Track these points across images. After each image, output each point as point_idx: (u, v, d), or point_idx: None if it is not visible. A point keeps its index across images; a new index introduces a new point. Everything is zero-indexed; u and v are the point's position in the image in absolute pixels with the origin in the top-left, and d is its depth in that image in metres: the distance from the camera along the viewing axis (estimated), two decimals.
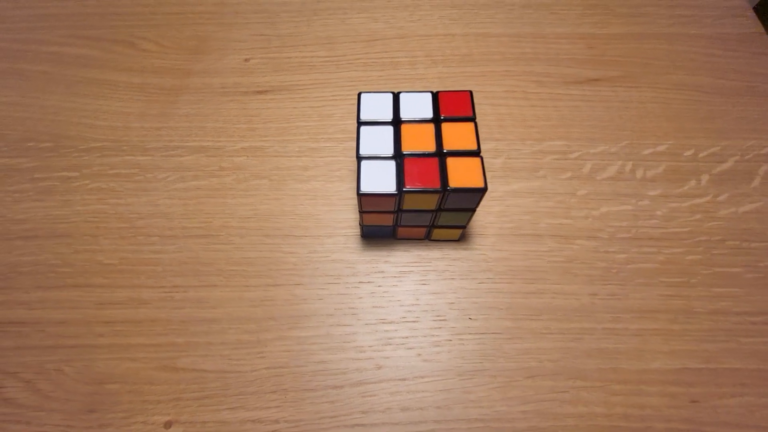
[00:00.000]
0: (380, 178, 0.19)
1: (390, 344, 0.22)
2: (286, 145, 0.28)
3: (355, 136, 0.28)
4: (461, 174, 0.19)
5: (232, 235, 0.25)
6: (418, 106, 0.21)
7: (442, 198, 0.19)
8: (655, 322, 0.22)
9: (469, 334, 0.22)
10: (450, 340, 0.22)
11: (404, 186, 0.19)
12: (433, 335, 0.22)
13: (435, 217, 0.21)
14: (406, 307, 0.23)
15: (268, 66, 0.31)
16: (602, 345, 0.22)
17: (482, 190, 0.19)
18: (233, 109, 0.29)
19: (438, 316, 0.23)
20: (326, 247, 0.24)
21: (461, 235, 0.24)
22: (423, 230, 0.23)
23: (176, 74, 0.30)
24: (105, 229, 0.25)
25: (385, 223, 0.22)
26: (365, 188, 0.19)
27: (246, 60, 0.31)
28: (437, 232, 0.23)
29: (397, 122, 0.20)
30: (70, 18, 0.33)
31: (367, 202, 0.20)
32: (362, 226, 0.23)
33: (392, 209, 0.20)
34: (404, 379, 0.21)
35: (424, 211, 0.21)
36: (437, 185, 0.19)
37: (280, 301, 0.23)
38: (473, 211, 0.21)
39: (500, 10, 0.34)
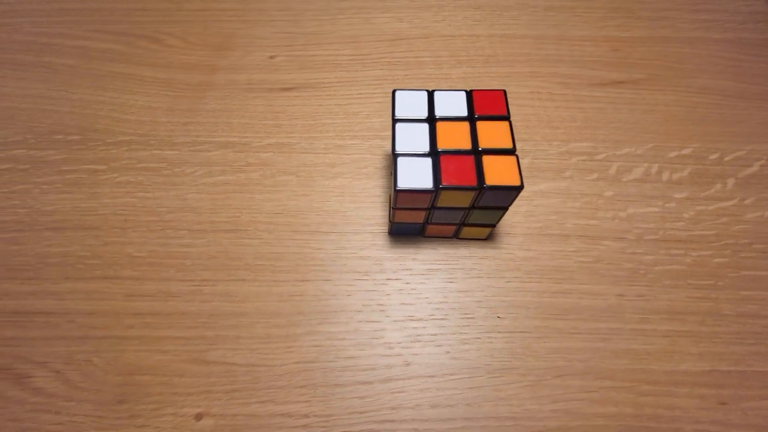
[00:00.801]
0: (417, 175, 0.19)
1: (419, 341, 0.22)
2: (313, 142, 0.28)
3: (381, 134, 0.28)
4: (497, 172, 0.19)
5: (260, 230, 0.25)
6: (452, 104, 0.21)
7: (478, 196, 0.19)
8: (683, 324, 0.22)
9: (498, 332, 0.22)
10: (479, 338, 0.22)
11: (441, 183, 0.19)
12: (461, 333, 0.22)
13: (467, 215, 0.22)
14: (434, 305, 0.23)
15: (294, 63, 0.31)
16: (631, 346, 0.22)
17: (518, 188, 0.19)
18: (259, 106, 0.29)
19: (466, 314, 0.23)
20: (354, 243, 0.25)
21: (489, 234, 0.24)
22: (452, 229, 0.23)
23: (202, 70, 0.31)
24: (133, 222, 0.25)
25: (416, 221, 0.22)
26: (402, 184, 0.19)
27: (271, 57, 0.31)
28: (466, 231, 0.23)
29: (432, 120, 0.20)
30: (95, 13, 0.33)
31: (403, 198, 0.20)
32: (392, 223, 0.23)
33: (426, 206, 0.21)
34: (433, 376, 0.21)
35: (456, 208, 0.21)
36: (474, 183, 0.19)
37: (308, 297, 0.23)
38: (505, 209, 0.21)
39: (523, 12, 0.34)
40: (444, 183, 0.19)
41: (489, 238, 0.24)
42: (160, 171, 0.27)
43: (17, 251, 0.24)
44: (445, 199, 0.20)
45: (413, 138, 0.20)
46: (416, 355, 0.22)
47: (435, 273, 0.24)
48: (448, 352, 0.22)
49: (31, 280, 0.24)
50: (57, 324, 0.23)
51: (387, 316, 0.23)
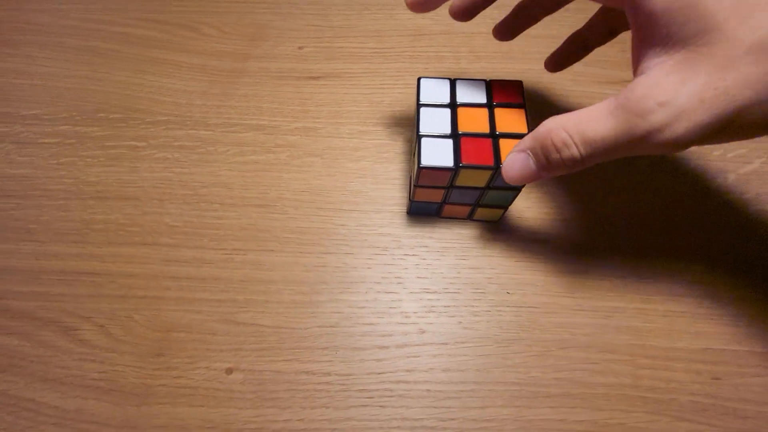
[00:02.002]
0: (439, 155, 0.21)
1: (433, 312, 0.24)
2: (338, 127, 0.30)
3: (402, 121, 0.30)
4: None
5: (287, 206, 0.27)
6: (473, 92, 0.22)
7: (493, 175, 0.21)
8: (681, 306, 0.24)
9: (507, 306, 0.24)
10: (489, 311, 0.24)
11: (461, 162, 0.21)
12: (473, 306, 0.24)
13: (482, 196, 0.23)
14: (448, 279, 0.25)
15: (321, 54, 0.33)
16: (632, 323, 0.23)
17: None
18: (288, 92, 0.31)
19: (477, 288, 0.24)
20: (374, 221, 0.26)
21: (501, 217, 0.26)
22: (466, 209, 0.25)
23: (235, 58, 0.33)
24: (170, 195, 0.27)
25: (434, 200, 0.24)
26: (426, 162, 0.21)
27: (300, 48, 0.33)
28: (480, 212, 0.25)
29: (454, 105, 0.22)
30: (137, 2, 0.36)
31: (425, 176, 0.21)
32: (411, 201, 0.25)
33: (446, 185, 0.22)
34: (446, 344, 0.23)
35: (473, 188, 0.23)
36: (491, 162, 0.21)
37: (331, 268, 0.25)
38: (518, 190, 0.23)
39: None
40: (463, 162, 0.21)
41: (501, 221, 0.26)
42: (195, 149, 0.29)
43: (64, 217, 0.27)
44: (464, 178, 0.22)
45: (436, 121, 0.22)
46: (430, 324, 0.24)
47: (449, 251, 0.25)
48: (460, 322, 0.24)
49: (77, 243, 0.26)
50: (101, 284, 0.25)
51: (404, 288, 0.24)
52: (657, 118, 0.15)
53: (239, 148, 0.29)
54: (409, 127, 0.30)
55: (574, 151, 0.17)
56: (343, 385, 0.22)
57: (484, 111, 0.22)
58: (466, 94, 0.22)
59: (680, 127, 0.14)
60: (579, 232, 0.26)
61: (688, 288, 0.24)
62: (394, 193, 0.27)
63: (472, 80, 0.23)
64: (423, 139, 0.21)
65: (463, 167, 0.21)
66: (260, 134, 0.29)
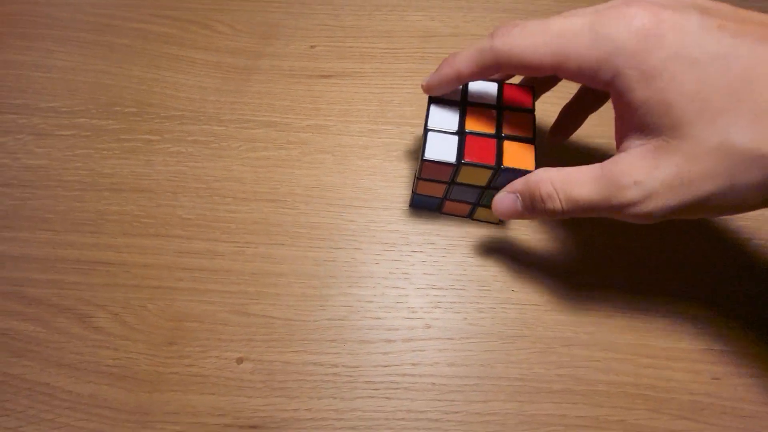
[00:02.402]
0: (443, 149, 0.21)
1: (439, 307, 0.24)
2: (348, 125, 0.30)
3: (411, 121, 0.30)
4: (515, 157, 0.21)
5: (298, 201, 0.27)
6: (484, 92, 0.23)
7: (494, 176, 0.22)
8: (684, 307, 0.24)
9: (511, 304, 0.24)
10: (493, 308, 0.24)
11: (463, 158, 0.21)
12: (478, 302, 0.25)
13: (482, 195, 0.24)
14: (454, 276, 0.25)
15: (333, 53, 0.33)
16: (634, 323, 0.24)
17: (530, 173, 0.21)
18: (300, 90, 0.32)
19: (483, 286, 0.25)
20: (383, 218, 0.27)
21: (500, 220, 0.26)
22: (467, 207, 0.26)
23: (248, 56, 0.33)
24: (184, 188, 0.28)
25: (435, 194, 0.25)
26: (429, 156, 0.21)
27: (312, 47, 0.34)
28: (480, 212, 0.26)
29: (464, 104, 0.23)
30: None
31: (428, 169, 0.22)
32: (414, 194, 0.25)
33: (447, 180, 0.23)
34: (451, 339, 0.24)
35: (473, 186, 0.23)
36: (492, 162, 0.21)
37: (340, 262, 0.26)
38: None
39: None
40: (466, 159, 0.21)
41: (504, 224, 0.27)
42: (209, 144, 0.29)
43: (80, 207, 0.27)
44: (465, 175, 0.22)
45: (445, 118, 0.22)
46: (436, 319, 0.24)
47: (456, 248, 0.26)
48: (465, 318, 0.24)
49: (93, 233, 0.26)
50: (115, 273, 0.25)
51: (411, 284, 0.25)
52: (632, 194, 0.17)
53: (252, 143, 0.29)
54: (418, 127, 0.30)
55: (557, 205, 0.19)
56: (350, 376, 0.23)
57: (493, 112, 0.23)
58: (478, 95, 0.23)
59: (650, 205, 0.17)
60: (583, 231, 0.26)
61: (689, 289, 0.25)
62: (402, 191, 0.28)
63: (485, 81, 0.23)
64: (429, 133, 0.22)
65: (464, 164, 0.21)
66: (272, 131, 0.30)
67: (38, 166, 0.29)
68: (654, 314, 0.24)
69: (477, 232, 0.26)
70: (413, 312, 0.24)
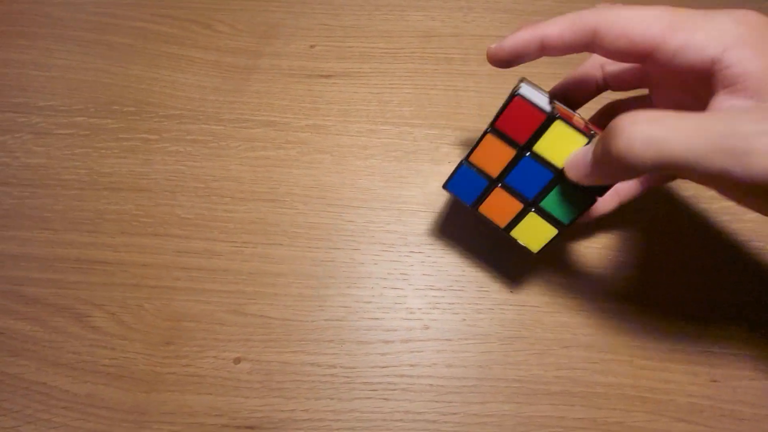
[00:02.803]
0: (537, 97, 0.18)
1: (437, 308, 0.24)
2: (347, 125, 0.30)
3: (411, 121, 0.30)
4: None
5: (296, 201, 0.27)
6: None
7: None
8: (682, 309, 0.24)
9: (510, 305, 0.24)
10: (492, 309, 0.24)
11: (557, 112, 0.18)
12: (476, 303, 0.24)
13: (547, 188, 0.19)
14: (453, 277, 0.25)
15: (332, 53, 0.33)
16: (633, 325, 0.24)
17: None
18: (299, 90, 0.32)
19: (481, 287, 0.25)
20: (381, 218, 0.27)
21: (543, 248, 0.20)
22: (513, 210, 0.20)
23: (248, 55, 0.33)
24: (182, 188, 0.28)
25: (489, 172, 0.20)
26: (524, 92, 0.18)
27: (312, 46, 0.34)
28: (525, 225, 0.20)
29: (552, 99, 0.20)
30: None
31: (513, 110, 0.18)
32: (462, 166, 0.20)
33: (522, 142, 0.19)
34: (449, 340, 0.24)
35: (545, 170, 0.19)
36: (585, 131, 0.18)
37: (338, 263, 0.25)
38: (589, 203, 0.19)
39: (548, 18, 0.36)
40: (560, 113, 0.18)
41: (540, 255, 0.21)
42: (207, 143, 0.29)
43: (79, 206, 0.27)
44: (549, 143, 0.18)
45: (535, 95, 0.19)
46: (435, 320, 0.24)
47: (454, 249, 0.26)
48: (464, 319, 0.24)
49: (91, 232, 0.26)
50: (113, 272, 0.25)
51: (409, 285, 0.25)
52: (759, 141, 0.13)
53: (250, 143, 0.29)
54: (417, 127, 0.30)
55: (642, 131, 0.14)
56: (347, 377, 0.23)
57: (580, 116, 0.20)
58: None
59: None
60: (581, 233, 0.26)
61: (687, 291, 0.25)
62: (401, 192, 0.28)
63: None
64: (524, 83, 0.19)
65: (559, 118, 0.18)
66: (271, 130, 0.30)
67: (37, 165, 0.29)
68: (652, 316, 0.24)
69: (475, 233, 0.26)
70: (411, 313, 0.24)
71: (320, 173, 0.28)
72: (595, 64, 0.22)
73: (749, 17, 0.16)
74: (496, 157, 0.19)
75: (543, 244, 0.20)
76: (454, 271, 0.25)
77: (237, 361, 0.23)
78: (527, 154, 0.19)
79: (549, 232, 0.20)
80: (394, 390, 0.22)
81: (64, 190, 0.28)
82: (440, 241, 0.26)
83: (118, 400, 0.22)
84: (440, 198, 0.28)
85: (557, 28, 0.18)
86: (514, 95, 0.18)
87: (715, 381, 0.22)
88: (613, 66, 0.22)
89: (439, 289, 0.25)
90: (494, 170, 0.20)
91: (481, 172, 0.20)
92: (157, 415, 0.22)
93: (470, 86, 0.32)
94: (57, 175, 0.28)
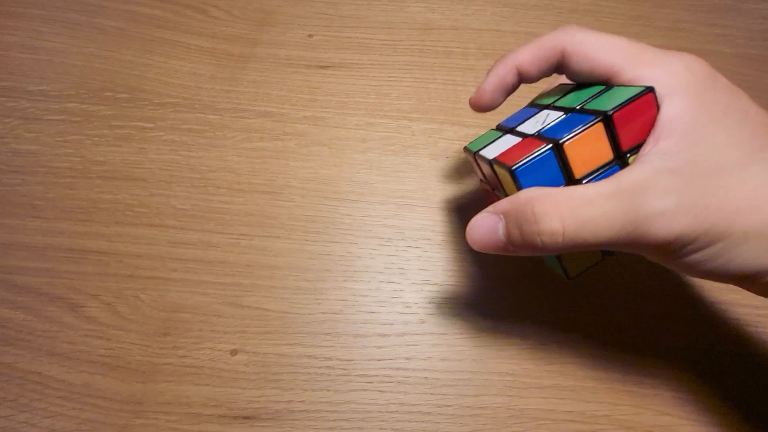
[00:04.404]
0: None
1: (433, 303, 0.25)
2: (345, 117, 0.30)
3: (409, 115, 0.30)
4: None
5: (294, 194, 0.27)
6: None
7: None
8: (670, 307, 0.25)
9: (504, 300, 0.25)
10: (486, 304, 0.25)
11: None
12: (471, 298, 0.25)
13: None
14: (449, 272, 0.25)
15: (330, 43, 0.33)
16: (624, 322, 0.24)
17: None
18: (297, 81, 0.31)
19: (477, 282, 0.25)
20: (379, 212, 0.27)
21: (579, 274, 0.19)
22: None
23: (244, 43, 0.33)
24: (178, 178, 0.27)
25: (576, 170, 0.17)
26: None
27: (310, 36, 0.33)
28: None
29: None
30: None
31: (636, 109, 0.16)
32: (549, 151, 0.16)
33: (626, 147, 0.16)
34: (444, 334, 0.24)
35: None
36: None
37: (335, 256, 0.26)
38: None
39: (549, 12, 0.36)
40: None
41: (573, 280, 0.20)
42: (203, 133, 0.29)
43: (71, 195, 0.27)
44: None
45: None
46: (431, 314, 0.24)
47: (451, 244, 0.26)
48: (459, 314, 0.24)
49: (84, 221, 0.26)
50: (107, 262, 0.25)
51: (406, 279, 0.25)
52: (662, 203, 0.14)
53: (247, 134, 0.29)
54: (416, 121, 0.30)
55: (556, 226, 0.15)
56: (344, 369, 0.23)
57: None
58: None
59: (679, 223, 0.14)
60: None
61: (674, 288, 0.25)
62: (399, 186, 0.28)
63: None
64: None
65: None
66: (268, 121, 0.30)
67: (27, 152, 0.28)
68: (644, 314, 0.25)
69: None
70: (408, 307, 0.25)
71: (318, 166, 0.28)
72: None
73: (697, 65, 0.16)
74: (589, 154, 0.16)
75: (583, 269, 0.19)
76: (450, 266, 0.26)
77: (234, 352, 0.23)
78: (616, 162, 0.16)
79: (594, 257, 0.19)
80: (390, 382, 0.23)
81: (55, 178, 0.27)
82: (437, 236, 0.26)
83: (115, 390, 0.22)
84: (438, 193, 0.28)
85: (529, 53, 0.19)
86: (648, 88, 0.15)
87: (700, 376, 0.23)
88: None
89: (435, 284, 0.25)
90: (581, 169, 0.16)
91: (564, 166, 0.16)
92: (154, 405, 0.22)
93: (469, 81, 0.32)
94: (48, 162, 0.28)
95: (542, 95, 0.20)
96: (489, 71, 0.20)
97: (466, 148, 0.22)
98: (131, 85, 0.31)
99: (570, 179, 0.17)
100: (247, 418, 0.22)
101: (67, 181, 0.27)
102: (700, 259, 0.15)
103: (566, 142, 0.16)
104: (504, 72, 0.19)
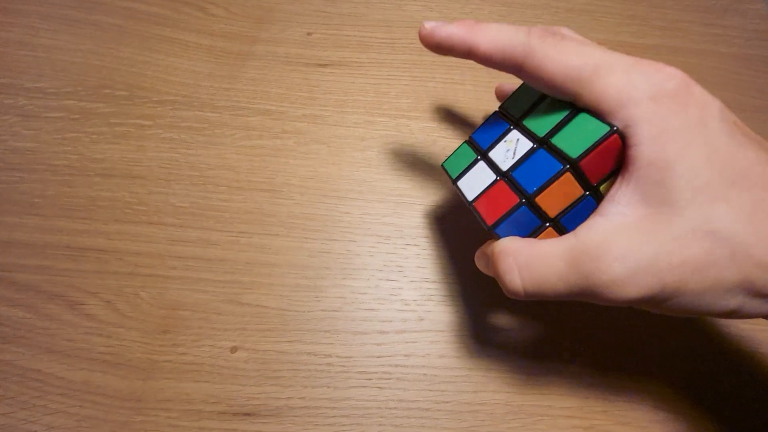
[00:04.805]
0: None
1: (432, 300, 0.25)
2: (344, 116, 0.30)
3: (408, 113, 0.30)
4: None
5: (293, 192, 0.27)
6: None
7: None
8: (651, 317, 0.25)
9: (503, 297, 0.25)
10: (485, 301, 0.25)
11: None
12: (470, 295, 0.25)
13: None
14: (447, 269, 0.26)
15: (329, 41, 0.33)
16: (619, 323, 0.25)
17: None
18: (296, 79, 0.31)
19: (475, 279, 0.25)
20: (378, 210, 0.27)
21: None
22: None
23: (243, 41, 0.33)
24: (177, 176, 0.27)
25: (550, 211, 0.17)
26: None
27: (309, 34, 0.33)
28: None
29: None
30: None
31: (602, 151, 0.16)
32: (522, 206, 0.17)
33: (595, 182, 0.17)
34: (443, 331, 0.24)
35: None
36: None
37: (335, 254, 0.26)
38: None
39: (546, 11, 0.36)
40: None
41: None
42: (202, 131, 0.29)
43: (69, 193, 0.27)
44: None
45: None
46: (429, 312, 0.25)
47: (449, 242, 0.26)
48: (457, 311, 0.25)
49: (83, 219, 0.26)
50: (107, 260, 0.25)
51: (404, 276, 0.25)
52: (614, 271, 0.14)
53: (246, 132, 0.29)
54: (414, 120, 0.30)
55: (517, 286, 0.16)
56: (343, 366, 0.23)
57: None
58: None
59: (633, 288, 0.14)
60: None
61: None
62: (398, 184, 0.28)
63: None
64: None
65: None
66: (267, 119, 0.30)
67: (26, 149, 0.28)
68: (641, 313, 0.25)
69: (470, 226, 0.27)
70: (406, 304, 0.25)
71: (317, 164, 0.28)
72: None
73: (676, 80, 0.15)
74: (561, 196, 0.17)
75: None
76: (449, 264, 0.26)
77: (233, 350, 0.23)
78: (588, 194, 0.17)
79: None
80: (389, 379, 0.23)
81: (53, 176, 0.27)
82: (436, 234, 0.27)
83: (115, 387, 0.22)
84: (436, 191, 0.28)
85: (486, 47, 0.17)
86: (612, 131, 0.15)
87: (694, 373, 0.24)
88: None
89: (434, 282, 0.25)
90: (554, 210, 0.17)
91: (537, 211, 0.17)
92: (154, 402, 0.22)
93: (467, 80, 0.32)
94: (46, 159, 0.28)
95: (510, 99, 0.20)
96: (452, 23, 0.18)
97: (443, 167, 0.22)
98: (130, 83, 0.30)
99: (545, 219, 0.17)
100: (247, 414, 0.22)
101: (65, 178, 0.27)
102: (672, 306, 0.15)
103: (537, 196, 0.17)
104: (456, 42, 0.18)
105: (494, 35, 0.17)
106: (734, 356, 0.24)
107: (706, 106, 0.15)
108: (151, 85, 0.30)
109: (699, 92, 0.15)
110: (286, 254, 0.26)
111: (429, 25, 0.18)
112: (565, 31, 0.19)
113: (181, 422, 0.22)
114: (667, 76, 0.15)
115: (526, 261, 0.16)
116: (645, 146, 0.15)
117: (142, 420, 0.22)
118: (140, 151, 0.28)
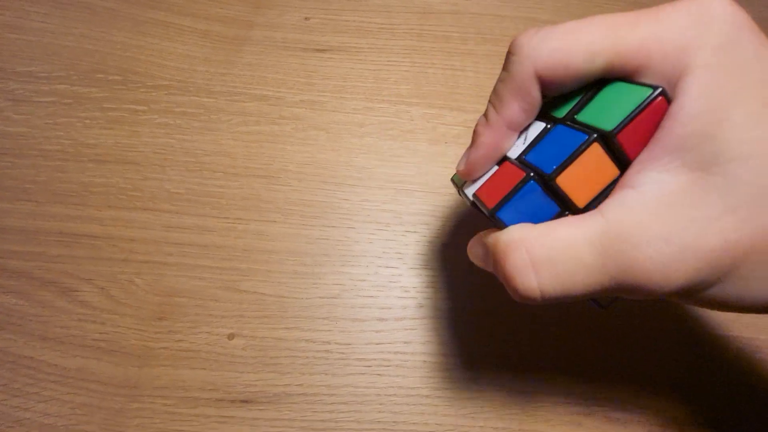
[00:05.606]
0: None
1: (431, 287, 0.25)
2: (343, 101, 0.30)
3: (407, 100, 0.30)
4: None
5: (291, 178, 0.27)
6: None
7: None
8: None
9: (500, 285, 0.25)
10: (485, 287, 0.25)
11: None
12: (470, 283, 0.25)
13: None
14: (446, 256, 0.25)
15: (328, 26, 0.32)
16: (616, 321, 0.24)
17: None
18: (293, 64, 0.31)
19: (475, 267, 0.25)
20: (377, 197, 0.27)
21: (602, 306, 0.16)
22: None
23: (240, 25, 0.32)
24: (172, 161, 0.27)
25: (576, 199, 0.14)
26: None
27: (306, 18, 0.33)
28: None
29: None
30: None
31: (643, 120, 0.13)
32: (530, 181, 0.14)
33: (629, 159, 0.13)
34: (442, 318, 0.24)
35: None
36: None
37: (333, 241, 0.25)
38: None
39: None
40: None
41: (605, 309, 0.16)
42: (198, 116, 0.28)
43: (62, 178, 0.26)
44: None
45: None
46: (428, 299, 0.24)
47: (449, 228, 0.26)
48: (456, 297, 0.24)
49: (76, 205, 0.25)
50: (100, 246, 0.25)
51: (404, 263, 0.25)
52: (658, 258, 0.12)
53: (243, 117, 0.29)
54: (414, 106, 0.30)
55: (533, 291, 0.13)
56: (342, 353, 0.23)
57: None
58: None
59: (680, 275, 0.12)
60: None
61: None
62: (397, 171, 0.28)
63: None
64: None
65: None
66: (264, 105, 0.29)
67: (17, 134, 0.27)
68: (638, 304, 0.25)
69: (470, 212, 0.26)
70: (406, 291, 0.24)
71: (315, 150, 0.28)
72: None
73: (716, 14, 0.12)
74: (591, 179, 0.13)
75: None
76: (448, 251, 0.25)
77: (231, 336, 0.23)
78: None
79: None
80: (389, 366, 0.23)
81: (46, 161, 0.27)
82: (435, 220, 0.26)
83: (110, 374, 0.22)
84: (436, 178, 0.27)
85: (511, 106, 0.14)
86: (657, 93, 0.12)
87: (691, 367, 0.23)
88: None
89: (433, 269, 0.25)
90: (582, 196, 0.14)
91: (559, 197, 0.14)
92: (150, 389, 0.22)
93: (468, 66, 0.31)
94: (38, 145, 0.27)
95: None
96: (471, 150, 0.16)
97: (452, 181, 0.19)
98: (123, 67, 0.30)
99: (569, 207, 0.14)
100: (245, 401, 0.22)
101: (58, 164, 0.26)
102: (713, 295, 0.12)
103: (558, 176, 0.13)
104: (491, 143, 0.15)
105: (502, 95, 0.15)
106: (733, 360, 0.24)
107: (762, 42, 0.12)
108: (145, 70, 0.30)
109: (745, 18, 0.12)
110: (284, 241, 0.25)
111: (461, 165, 0.16)
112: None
113: (178, 409, 0.21)
114: (709, 3, 0.12)
115: (547, 254, 0.12)
116: (691, 93, 0.12)
117: (138, 407, 0.21)
118: (134, 137, 0.28)
